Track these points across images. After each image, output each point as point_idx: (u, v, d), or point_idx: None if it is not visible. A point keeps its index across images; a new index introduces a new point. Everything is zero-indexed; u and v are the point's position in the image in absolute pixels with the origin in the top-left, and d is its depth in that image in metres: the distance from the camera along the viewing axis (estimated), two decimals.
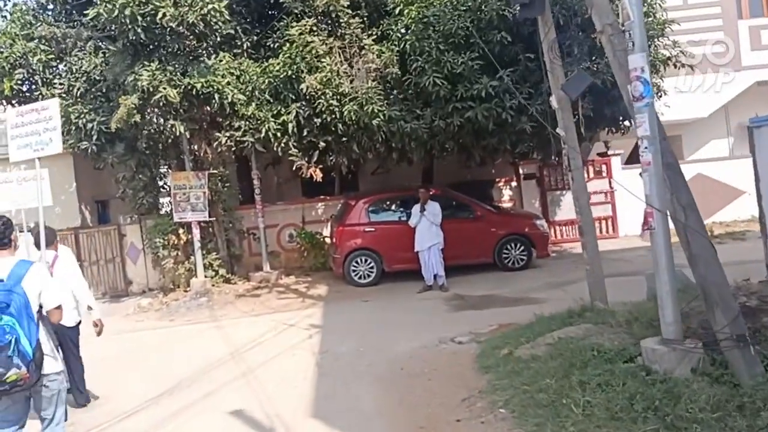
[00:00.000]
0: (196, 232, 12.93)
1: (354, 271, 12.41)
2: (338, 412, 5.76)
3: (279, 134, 11.42)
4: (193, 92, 11.35)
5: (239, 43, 12.34)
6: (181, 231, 13.07)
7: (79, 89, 12.34)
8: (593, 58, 10.39)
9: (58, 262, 6.35)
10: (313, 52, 11.06)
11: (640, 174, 5.12)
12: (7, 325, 3.75)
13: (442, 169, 15.42)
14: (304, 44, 11.10)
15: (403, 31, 10.65)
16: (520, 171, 15.52)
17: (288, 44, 11.28)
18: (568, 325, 6.63)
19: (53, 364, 4.10)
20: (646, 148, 4.76)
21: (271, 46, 11.97)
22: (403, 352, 7.56)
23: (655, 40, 11.51)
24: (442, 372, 6.47)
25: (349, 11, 11.15)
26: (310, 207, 14.87)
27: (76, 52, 12.51)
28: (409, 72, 10.64)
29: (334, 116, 11.22)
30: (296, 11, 11.38)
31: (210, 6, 10.85)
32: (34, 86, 12.74)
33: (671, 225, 5.02)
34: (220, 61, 11.79)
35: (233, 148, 12.29)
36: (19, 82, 12.53)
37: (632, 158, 15.85)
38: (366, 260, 12.42)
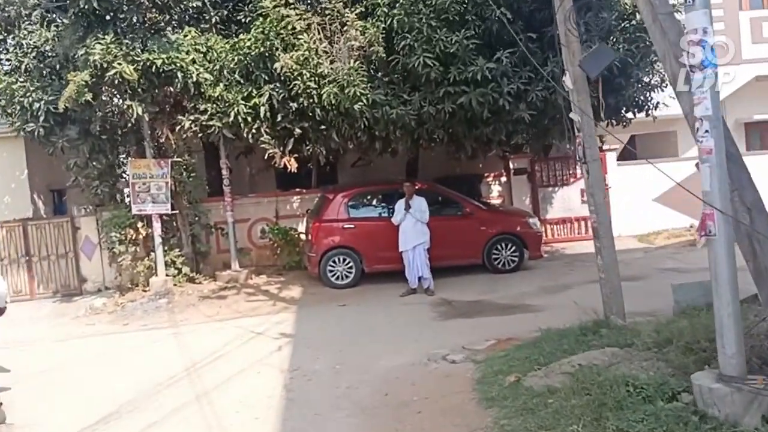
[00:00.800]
0: (157, 226, 11.77)
1: (331, 271, 11.32)
2: None
3: (250, 119, 10.25)
4: (153, 70, 10.17)
5: (207, 17, 11.13)
6: (140, 225, 11.89)
7: (27, 65, 11.05)
8: (611, 38, 9.34)
9: None
10: (289, 27, 9.92)
11: (696, 165, 4.07)
12: None
13: (428, 162, 14.35)
14: (279, 19, 9.95)
15: (390, 5, 9.49)
16: (511, 165, 14.52)
17: (261, 18, 10.11)
18: (583, 344, 5.62)
19: None
20: (707, 131, 3.73)
21: (243, 20, 10.79)
22: (387, 372, 6.48)
23: None
24: (434, 402, 5.39)
25: None
26: (285, 200, 13.73)
27: (26, 25, 11.21)
28: (396, 51, 9.52)
29: (311, 100, 10.09)
30: None
31: None
32: None
33: None
34: (185, 36, 10.60)
35: (199, 134, 11.08)
36: None
37: (624, 155, 14.95)
38: (344, 260, 11.34)
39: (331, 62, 9.94)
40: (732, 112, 17.24)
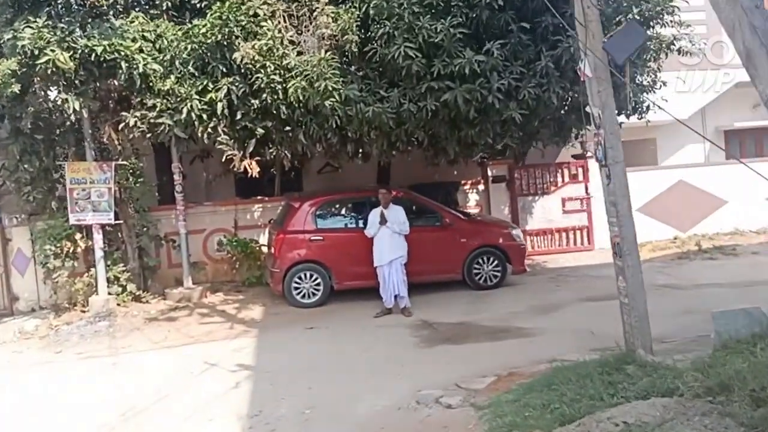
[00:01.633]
0: (98, 238, 10.41)
1: (297, 288, 10.14)
2: None
3: (205, 116, 9.02)
4: (93, 58, 8.88)
5: (157, 2, 9.86)
6: (79, 236, 10.52)
7: None
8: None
9: None
10: (251, 13, 8.75)
11: None
12: None
13: (400, 169, 13.30)
14: (239, 3, 8.77)
15: None
16: (489, 172, 13.56)
17: (219, 3, 8.91)
18: (611, 387, 4.60)
19: None
20: None
21: (198, 5, 9.56)
22: (368, 420, 5.35)
23: (658, 17, 9.70)
24: None
25: None
26: (244, 209, 12.47)
27: None
28: (373, 41, 8.42)
29: (275, 96, 8.93)
30: None
31: None
32: None
33: None
34: (131, 21, 9.34)
35: (147, 134, 9.76)
36: None
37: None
38: (311, 275, 10.17)
39: (299, 54, 8.80)
40: (712, 119, 16.77)
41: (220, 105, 8.94)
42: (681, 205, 14.07)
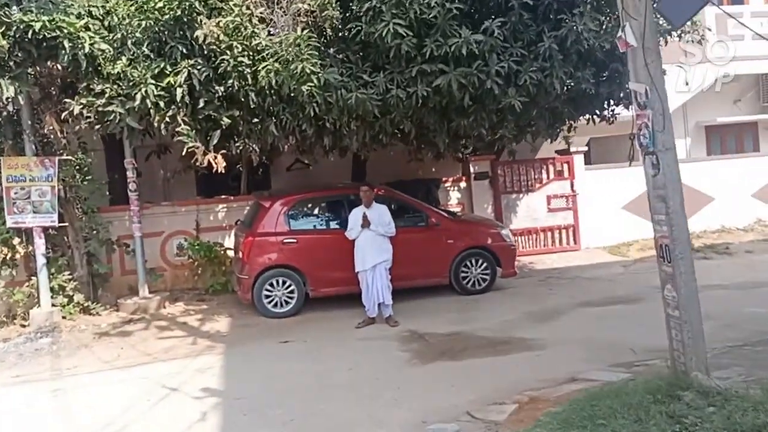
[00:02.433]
0: (40, 243, 9.25)
1: (267, 296, 9.13)
2: None
3: (162, 104, 7.91)
4: (30, 36, 7.68)
5: None
6: (17, 241, 9.37)
7: None
8: None
9: None
10: None
11: None
12: None
13: (377, 165, 12.36)
14: None
15: None
16: (471, 169, 12.73)
17: None
18: (674, 421, 3.75)
19: None
20: None
21: None
22: None
23: None
24: None
25: None
26: (207, 210, 11.34)
27: None
28: (357, 18, 7.44)
29: (244, 81, 7.91)
30: None
31: None
32: None
33: None
34: None
35: (96, 125, 8.59)
36: None
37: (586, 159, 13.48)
38: (284, 282, 9.17)
39: (270, 34, 7.78)
40: (693, 114, 16.33)
41: (179, 91, 7.84)
42: None
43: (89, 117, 8.27)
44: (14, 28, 7.64)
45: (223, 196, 11.60)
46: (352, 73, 7.70)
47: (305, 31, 7.49)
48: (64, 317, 9.25)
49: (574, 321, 8.18)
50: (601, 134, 13.92)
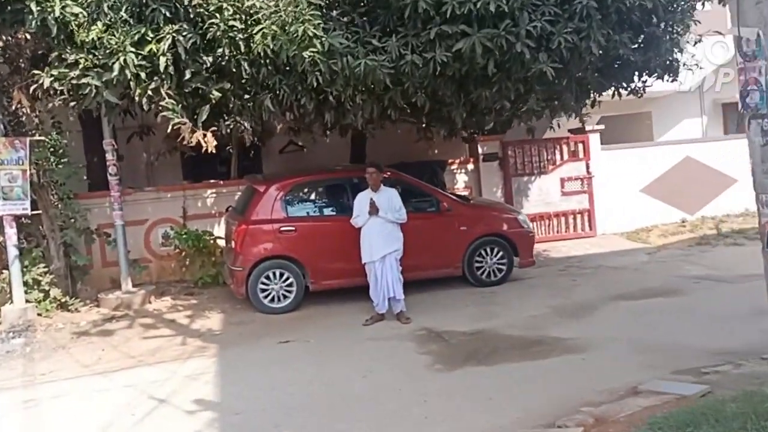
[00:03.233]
0: (12, 233, 8.40)
1: (264, 290, 8.27)
2: None
3: (143, 75, 6.97)
4: None
5: None
6: None
7: None
8: None
9: None
10: None
11: None
12: None
13: (377, 146, 11.45)
14: None
15: None
16: (479, 150, 11.88)
17: None
18: None
19: None
20: None
21: None
22: None
23: None
24: None
25: None
26: (195, 195, 10.45)
27: None
28: None
29: (236, 49, 6.99)
30: None
31: None
32: None
33: None
34: None
35: (71, 101, 7.65)
36: None
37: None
38: (282, 274, 8.32)
39: None
40: (708, 92, 15.56)
41: (162, 60, 6.90)
42: (688, 185, 12.74)
43: (62, 91, 7.32)
44: None
45: (212, 181, 10.72)
46: (359, 38, 6.78)
47: None
48: (39, 314, 8.44)
49: (611, 317, 7.38)
50: (611, 113, 13.14)
